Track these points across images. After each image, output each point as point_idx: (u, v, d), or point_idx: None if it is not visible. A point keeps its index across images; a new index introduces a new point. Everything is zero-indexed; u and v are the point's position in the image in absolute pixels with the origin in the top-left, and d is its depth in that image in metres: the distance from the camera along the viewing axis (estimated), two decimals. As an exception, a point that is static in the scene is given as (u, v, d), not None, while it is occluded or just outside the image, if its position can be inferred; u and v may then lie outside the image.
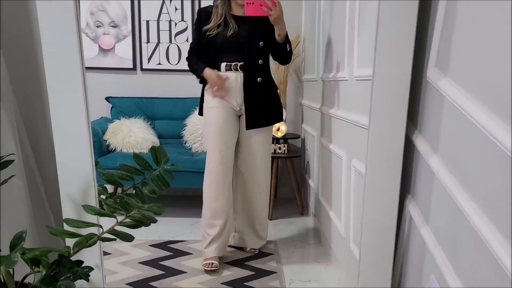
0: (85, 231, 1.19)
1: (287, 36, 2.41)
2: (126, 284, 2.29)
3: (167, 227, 3.13)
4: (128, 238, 1.18)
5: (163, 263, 2.56)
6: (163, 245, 2.82)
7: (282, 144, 3.54)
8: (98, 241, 1.20)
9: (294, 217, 3.52)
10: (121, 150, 3.49)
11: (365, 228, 1.35)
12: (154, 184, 1.42)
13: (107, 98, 3.84)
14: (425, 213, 1.21)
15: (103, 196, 1.48)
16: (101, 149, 3.39)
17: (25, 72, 1.37)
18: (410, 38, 1.23)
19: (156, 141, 3.65)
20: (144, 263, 2.55)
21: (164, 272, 2.43)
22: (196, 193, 3.66)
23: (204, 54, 2.54)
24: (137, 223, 1.17)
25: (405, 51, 1.23)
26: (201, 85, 2.61)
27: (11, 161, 1.21)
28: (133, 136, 3.52)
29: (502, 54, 0.84)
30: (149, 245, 2.81)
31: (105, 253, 2.63)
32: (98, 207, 1.31)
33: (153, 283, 2.30)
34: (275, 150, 3.53)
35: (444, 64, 1.12)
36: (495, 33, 0.88)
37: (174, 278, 2.36)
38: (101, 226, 1.18)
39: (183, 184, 3.33)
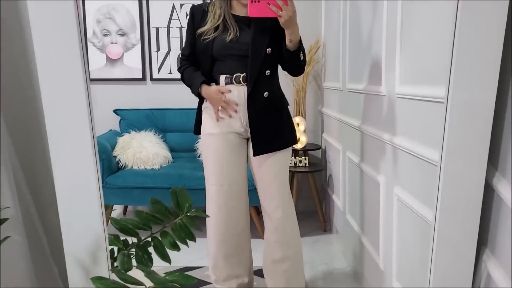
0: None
1: (300, 42, 1.92)
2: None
3: (182, 251, 2.90)
4: (149, 314, 0.96)
5: (180, 296, 2.33)
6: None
7: (303, 157, 3.31)
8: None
9: (316, 234, 3.30)
10: (132, 166, 3.28)
11: (435, 286, 1.12)
12: (176, 235, 1.19)
13: (115, 111, 3.63)
14: (516, 279, 0.98)
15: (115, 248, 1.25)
16: (110, 166, 3.18)
17: (21, 108, 1.16)
18: (495, 56, 0.98)
19: (168, 156, 3.44)
20: (160, 296, 2.33)
21: (182, 309, 2.21)
22: (212, 210, 3.43)
23: (198, 63, 2.07)
24: (159, 298, 0.95)
25: (489, 72, 0.99)
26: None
27: (5, 219, 1.00)
28: (144, 151, 3.30)
29: None
30: (164, 273, 2.58)
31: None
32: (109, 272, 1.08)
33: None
34: (295, 164, 3.30)
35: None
36: None
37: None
38: (114, 303, 0.96)
39: (199, 202, 3.08)
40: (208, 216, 1.22)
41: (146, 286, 0.95)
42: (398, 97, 1.75)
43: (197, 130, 2.18)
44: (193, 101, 3.61)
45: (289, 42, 1.87)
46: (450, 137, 1.03)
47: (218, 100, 1.98)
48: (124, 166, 3.29)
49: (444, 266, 1.10)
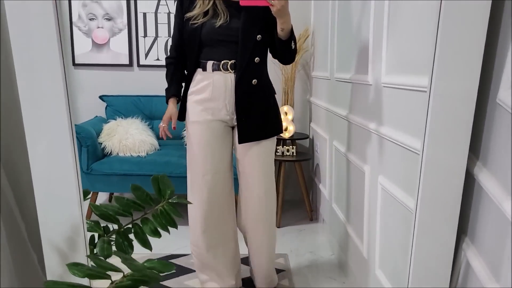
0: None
1: (292, 31, 1.91)
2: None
3: (167, 238, 2.86)
4: (127, 300, 0.95)
5: (165, 283, 2.33)
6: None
7: (290, 146, 3.30)
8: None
9: (303, 223, 3.30)
10: (118, 153, 3.25)
11: (415, 274, 1.12)
12: (157, 222, 1.18)
13: (101, 97, 3.58)
14: (494, 267, 0.98)
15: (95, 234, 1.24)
16: (95, 153, 3.14)
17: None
18: (478, 46, 0.98)
19: (155, 143, 3.40)
20: (144, 283, 2.32)
21: (166, 295, 2.21)
22: (198, 198, 3.41)
23: (186, 50, 2.04)
24: (135, 283, 0.94)
25: (471, 62, 0.98)
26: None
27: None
28: (130, 138, 3.27)
29: None
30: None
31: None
32: (87, 258, 1.07)
33: (155, 309, 2.08)
34: (282, 153, 3.29)
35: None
36: None
37: (178, 302, 2.14)
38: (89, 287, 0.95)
39: (185, 190, 3.09)
40: (190, 203, 1.21)
41: (123, 273, 0.94)
42: (384, 86, 1.75)
43: (181, 116, 2.14)
44: (180, 88, 3.61)
45: (281, 31, 1.86)
46: (432, 126, 1.02)
47: (166, 119, 2.12)
48: (110, 153, 3.26)
49: (425, 254, 1.11)
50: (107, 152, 3.26)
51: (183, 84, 2.14)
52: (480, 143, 1.07)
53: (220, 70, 1.97)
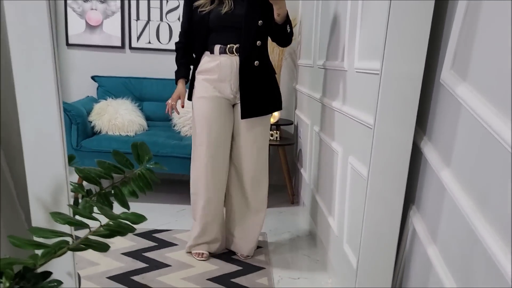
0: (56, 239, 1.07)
1: (287, 16, 2.14)
2: (107, 277, 2.18)
3: (152, 214, 3.02)
4: (103, 248, 1.06)
5: (147, 254, 2.45)
6: (147, 235, 2.70)
7: (275, 131, 3.42)
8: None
9: (284, 206, 3.43)
10: (107, 132, 3.34)
11: (365, 237, 1.25)
12: (135, 184, 1.29)
13: (93, 77, 3.67)
14: (433, 230, 1.10)
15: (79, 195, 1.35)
16: (85, 130, 3.24)
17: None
18: (424, 33, 1.09)
19: (143, 124, 3.51)
20: (127, 254, 2.44)
21: (147, 265, 2.32)
22: (184, 178, 3.53)
23: (195, 35, 2.28)
24: (112, 233, 1.05)
25: (418, 47, 1.10)
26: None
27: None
28: (120, 117, 3.37)
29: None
30: (133, 234, 2.69)
31: (87, 243, 2.52)
32: (71, 211, 1.18)
33: (135, 277, 2.19)
34: (267, 137, 3.40)
35: (462, 67, 1.00)
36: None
37: (157, 272, 2.25)
38: (71, 236, 1.06)
39: (171, 169, 3.21)
40: (165, 169, 1.32)
41: (100, 222, 1.05)
42: (357, 72, 1.86)
43: (190, 96, 2.36)
44: (170, 72, 3.67)
45: (277, 16, 2.09)
46: (382, 104, 1.14)
47: (175, 97, 2.32)
48: (100, 131, 3.35)
49: (375, 219, 1.23)
50: (97, 131, 3.35)
51: (191, 67, 2.37)
52: (427, 119, 1.19)
53: (227, 53, 2.21)
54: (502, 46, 0.84)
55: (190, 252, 2.45)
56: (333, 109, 2.26)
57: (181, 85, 2.34)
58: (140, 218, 1.07)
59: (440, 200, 1.06)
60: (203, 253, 2.40)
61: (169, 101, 2.34)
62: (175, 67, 2.42)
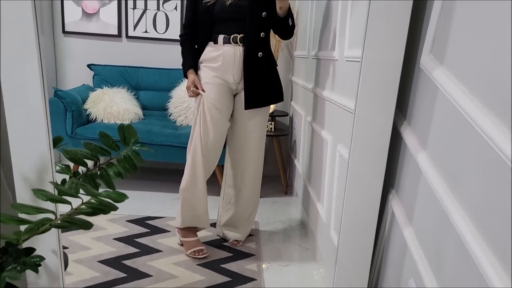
0: (40, 216, 1.09)
1: (289, 9, 2.19)
2: (98, 261, 2.20)
3: (146, 202, 3.05)
4: (86, 225, 1.08)
5: (139, 240, 2.47)
6: (140, 221, 2.73)
7: (269, 122, 3.43)
8: (55, 226, 1.10)
9: (277, 196, 3.45)
10: (102, 120, 3.36)
11: (345, 220, 1.27)
12: (121, 166, 1.31)
13: (89, 65, 3.68)
14: (409, 213, 1.12)
15: (65, 176, 1.37)
16: (80, 118, 3.25)
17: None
18: (404, 20, 1.11)
19: (139, 112, 3.52)
20: (119, 239, 2.47)
21: (139, 250, 2.35)
22: (179, 167, 3.55)
23: (199, 26, 2.30)
24: (94, 211, 1.07)
25: (399, 33, 1.12)
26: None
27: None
28: (115, 106, 3.38)
29: (508, 48, 0.73)
30: (126, 221, 2.73)
31: (79, 228, 2.54)
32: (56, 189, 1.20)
33: (127, 262, 2.22)
34: (261, 128, 3.42)
35: (440, 51, 1.01)
36: (503, 22, 0.77)
37: (149, 257, 2.28)
38: (54, 213, 1.08)
39: (165, 158, 3.23)
40: (151, 151, 1.34)
41: (82, 200, 1.07)
42: (346, 60, 1.87)
43: None
44: (167, 61, 3.72)
45: (279, 9, 2.14)
46: (363, 89, 1.16)
47: (190, 85, 2.29)
48: (95, 119, 3.37)
49: (355, 201, 1.25)
50: (92, 119, 3.37)
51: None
52: (407, 104, 1.20)
53: (231, 43, 2.23)
54: (477, 30, 0.86)
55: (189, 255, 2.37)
56: (324, 98, 2.27)
57: (192, 74, 2.31)
58: (122, 196, 1.09)
59: (416, 182, 1.08)
60: (200, 250, 2.33)
61: (188, 87, 2.30)
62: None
